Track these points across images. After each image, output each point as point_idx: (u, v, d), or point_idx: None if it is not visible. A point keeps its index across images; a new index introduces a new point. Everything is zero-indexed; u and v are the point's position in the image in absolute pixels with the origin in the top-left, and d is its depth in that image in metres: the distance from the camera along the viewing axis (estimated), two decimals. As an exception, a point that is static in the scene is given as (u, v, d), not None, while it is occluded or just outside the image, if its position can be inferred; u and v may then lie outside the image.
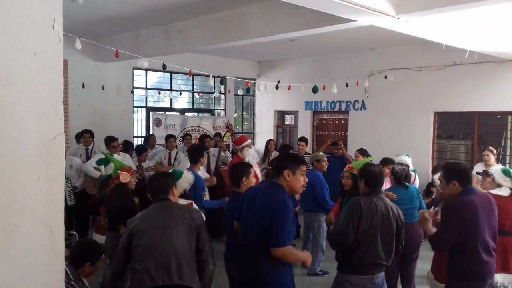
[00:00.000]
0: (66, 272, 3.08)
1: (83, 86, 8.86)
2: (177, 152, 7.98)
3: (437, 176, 5.52)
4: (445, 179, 3.63)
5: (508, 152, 8.51)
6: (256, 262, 3.13)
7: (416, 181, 6.59)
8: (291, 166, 3.23)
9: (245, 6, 6.43)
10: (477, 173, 6.65)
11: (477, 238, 3.43)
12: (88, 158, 7.34)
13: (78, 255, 3.24)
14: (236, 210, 3.67)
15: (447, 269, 3.64)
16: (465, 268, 3.46)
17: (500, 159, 8.01)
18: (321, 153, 6.56)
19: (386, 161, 5.86)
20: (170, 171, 4.60)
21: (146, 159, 7.58)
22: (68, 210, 6.66)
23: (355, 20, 5.24)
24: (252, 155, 6.59)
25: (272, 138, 10.38)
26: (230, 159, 7.86)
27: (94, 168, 6.72)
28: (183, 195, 4.49)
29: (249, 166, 4.06)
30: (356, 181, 4.44)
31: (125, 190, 4.69)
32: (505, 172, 4.56)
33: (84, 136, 7.50)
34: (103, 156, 6.38)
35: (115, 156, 6.35)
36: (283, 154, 3.71)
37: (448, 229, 3.48)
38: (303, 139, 8.34)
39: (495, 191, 4.47)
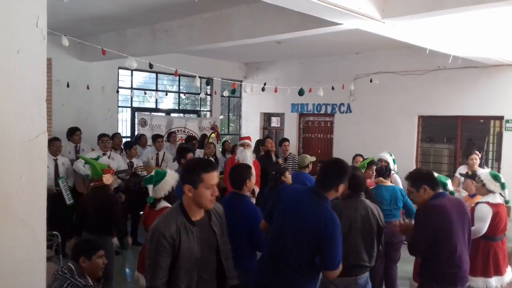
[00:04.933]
0: (70, 268, 3.18)
1: (68, 85, 8.77)
2: (164, 152, 7.98)
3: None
4: (414, 187, 3.63)
5: (490, 156, 8.64)
6: (292, 273, 3.05)
7: (399, 183, 6.67)
8: (342, 181, 3.12)
9: (232, 8, 6.43)
10: (460, 174, 6.74)
11: (451, 242, 3.43)
12: (76, 155, 7.44)
13: (75, 250, 3.37)
14: (234, 211, 3.60)
15: (419, 270, 3.67)
16: (436, 271, 3.47)
17: (483, 163, 8.13)
18: (309, 156, 6.65)
19: (368, 163, 5.96)
20: (153, 171, 4.58)
21: (137, 153, 7.64)
22: (68, 209, 6.65)
23: (341, 24, 5.28)
24: (243, 156, 6.61)
25: (259, 138, 10.29)
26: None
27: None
28: (169, 195, 4.47)
29: (250, 167, 4.01)
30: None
31: (109, 191, 4.72)
32: (495, 178, 4.58)
33: (77, 134, 7.74)
34: (93, 156, 6.39)
35: (102, 158, 6.33)
36: (341, 170, 3.19)
37: (419, 234, 3.49)
38: (287, 139, 8.40)
39: (491, 199, 4.50)
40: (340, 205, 3.49)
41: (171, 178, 4.50)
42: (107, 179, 4.69)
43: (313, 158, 6.58)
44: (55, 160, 6.79)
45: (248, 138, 7.31)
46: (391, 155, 6.83)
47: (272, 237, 3.25)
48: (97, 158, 6.09)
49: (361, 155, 7.25)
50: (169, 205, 4.43)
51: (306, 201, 3.10)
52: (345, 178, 3.14)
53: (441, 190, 3.65)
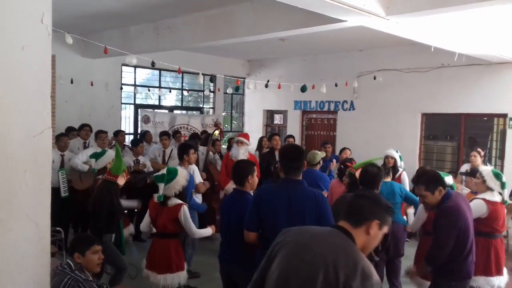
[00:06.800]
0: (69, 264, 3.17)
1: (72, 82, 8.79)
2: (172, 150, 7.95)
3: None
4: (429, 190, 3.66)
5: (493, 154, 8.62)
6: None
7: (405, 181, 6.66)
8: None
9: (235, 4, 6.42)
10: (461, 173, 6.74)
11: (469, 240, 3.50)
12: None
13: (70, 247, 3.39)
14: (235, 209, 3.56)
15: (434, 268, 3.67)
16: (459, 269, 3.51)
17: (486, 161, 8.11)
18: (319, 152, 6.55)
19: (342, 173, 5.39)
20: (165, 168, 4.58)
21: (143, 151, 7.60)
22: (63, 202, 6.57)
23: (345, 21, 5.26)
24: (235, 154, 6.60)
25: (263, 135, 10.29)
26: (219, 161, 7.86)
27: (84, 163, 6.68)
28: (181, 193, 4.46)
29: (253, 164, 3.93)
30: (353, 180, 4.66)
31: (116, 191, 4.67)
32: (496, 176, 4.54)
33: (85, 129, 7.67)
34: (97, 150, 6.34)
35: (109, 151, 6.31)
36: (301, 152, 3.52)
37: (445, 239, 3.50)
38: (292, 136, 8.41)
39: (488, 196, 4.48)
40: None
41: (183, 177, 4.50)
42: (122, 180, 4.65)
43: (323, 154, 6.39)
44: (62, 156, 6.79)
45: (246, 136, 7.25)
46: (397, 151, 6.82)
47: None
48: (102, 153, 6.04)
49: (348, 149, 7.51)
50: (181, 202, 4.42)
51: (292, 191, 3.27)
52: (304, 157, 3.45)
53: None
